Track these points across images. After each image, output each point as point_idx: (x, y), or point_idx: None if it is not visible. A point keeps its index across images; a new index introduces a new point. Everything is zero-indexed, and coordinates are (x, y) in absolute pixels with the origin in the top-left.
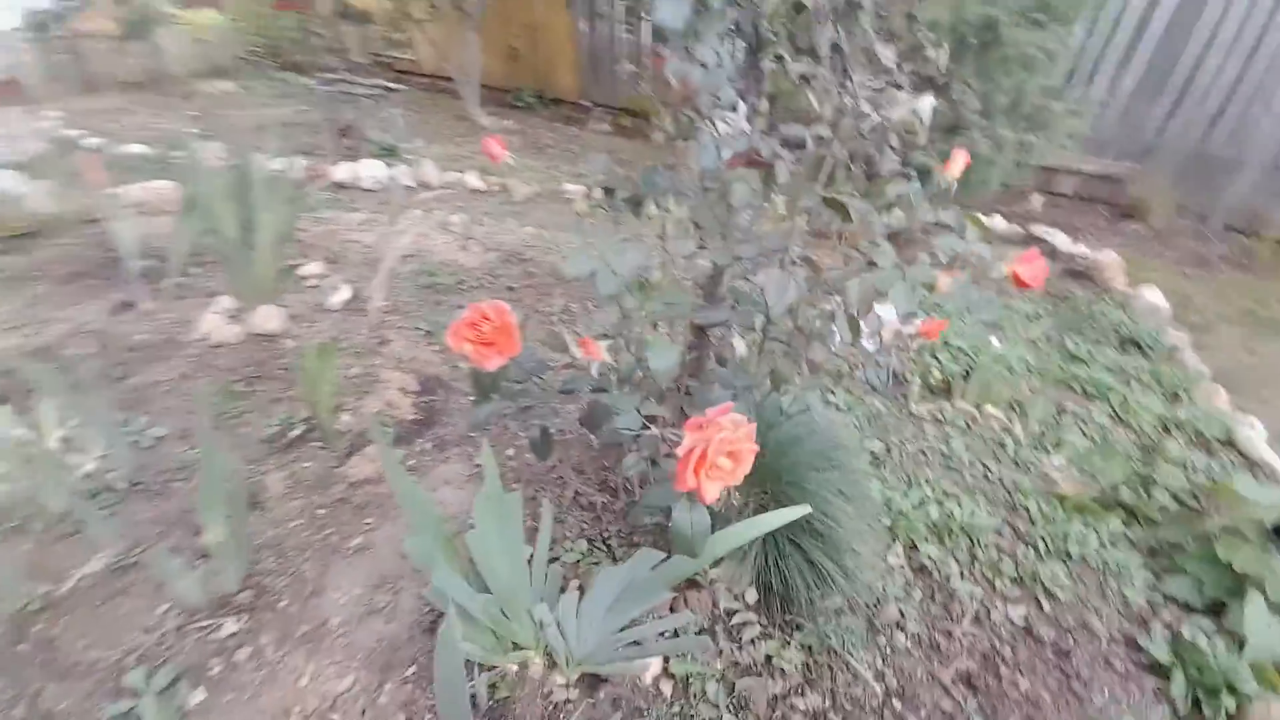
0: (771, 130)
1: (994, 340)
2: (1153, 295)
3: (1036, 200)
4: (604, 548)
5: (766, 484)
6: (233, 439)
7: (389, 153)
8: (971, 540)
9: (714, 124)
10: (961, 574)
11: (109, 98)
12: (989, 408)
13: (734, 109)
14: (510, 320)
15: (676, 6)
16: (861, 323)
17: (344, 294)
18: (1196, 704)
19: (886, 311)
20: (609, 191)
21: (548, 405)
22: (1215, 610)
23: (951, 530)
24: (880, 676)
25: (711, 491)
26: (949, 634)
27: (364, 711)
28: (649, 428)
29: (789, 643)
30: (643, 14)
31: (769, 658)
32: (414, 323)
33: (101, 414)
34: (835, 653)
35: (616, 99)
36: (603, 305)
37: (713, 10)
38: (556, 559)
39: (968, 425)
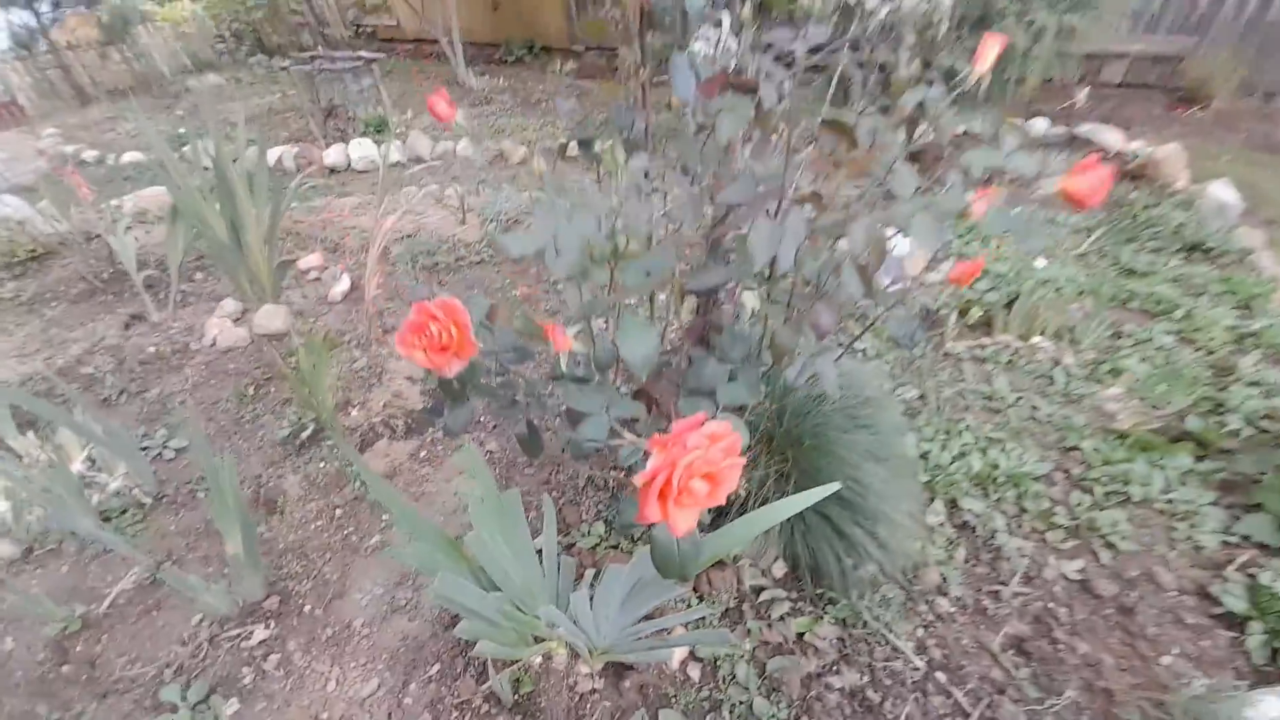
0: (758, 42)
1: (1039, 261)
2: (1221, 191)
3: (1081, 94)
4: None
5: (786, 450)
6: (250, 444)
7: (379, 129)
8: (1019, 490)
9: (693, 46)
10: (1009, 528)
11: (101, 107)
12: (1036, 338)
13: (717, 24)
14: (463, 319)
15: None
16: (876, 273)
17: (344, 284)
18: (1275, 656)
19: (906, 248)
20: (584, 144)
21: (534, 394)
22: None
23: (996, 480)
24: (921, 648)
25: (684, 522)
26: (996, 596)
27: (390, 715)
28: (621, 435)
29: (821, 618)
30: None
31: (801, 635)
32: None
33: (120, 432)
34: (872, 626)
35: (609, 37)
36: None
37: None
38: (573, 545)
39: (1012, 360)
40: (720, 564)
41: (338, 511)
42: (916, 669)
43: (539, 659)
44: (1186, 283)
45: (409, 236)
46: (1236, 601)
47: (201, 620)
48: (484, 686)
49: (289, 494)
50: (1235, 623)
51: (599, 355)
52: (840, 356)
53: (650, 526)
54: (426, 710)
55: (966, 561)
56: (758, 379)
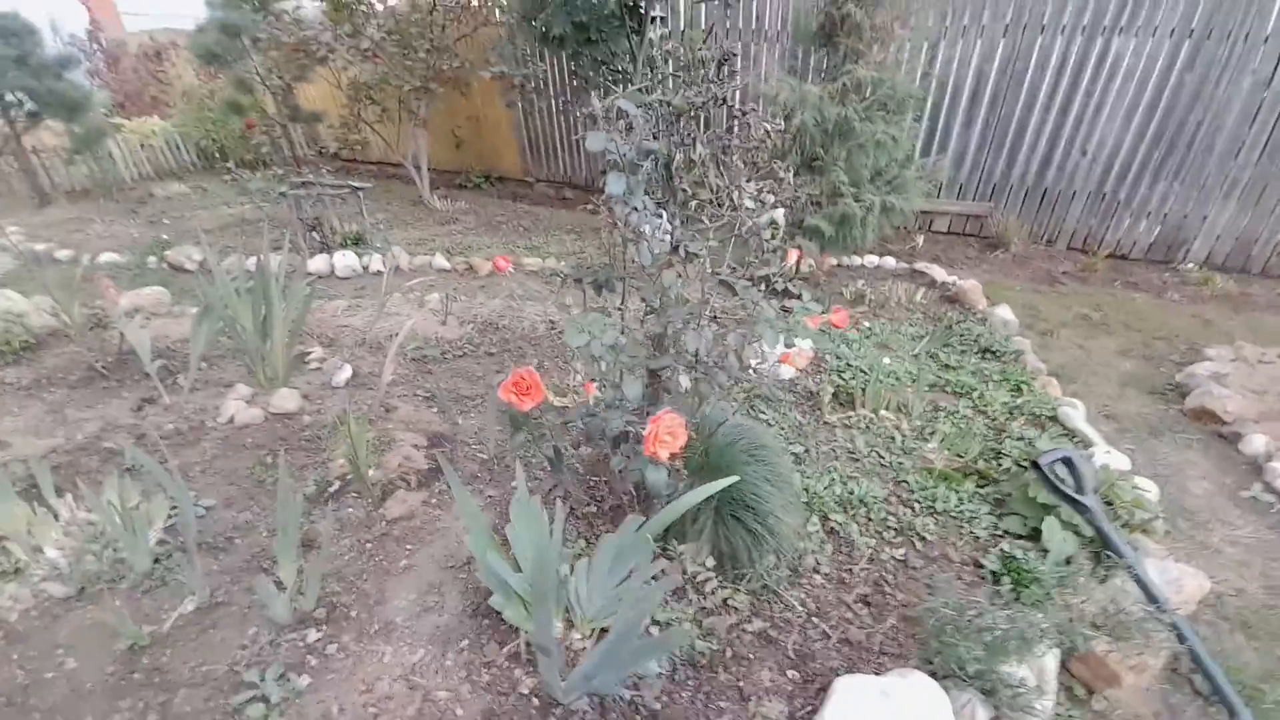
0: (687, 224)
1: (885, 359)
2: (1004, 312)
3: (919, 239)
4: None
5: (709, 475)
6: (275, 502)
7: (357, 242)
8: (867, 507)
9: (647, 236)
10: (860, 531)
11: (61, 208)
12: (883, 411)
13: (659, 217)
14: (538, 379)
15: (620, 182)
16: (744, 358)
17: (346, 373)
18: (1017, 594)
19: (770, 348)
20: (578, 280)
21: (554, 437)
22: (1034, 536)
23: (853, 502)
24: (804, 604)
25: (664, 453)
26: (851, 571)
27: (436, 670)
28: (629, 430)
29: (739, 589)
30: (576, 111)
31: (725, 600)
32: (412, 390)
33: (174, 488)
34: (772, 591)
35: (558, 174)
36: (583, 360)
37: (639, 180)
38: (565, 545)
39: (867, 426)
40: (669, 558)
41: (368, 545)
42: (800, 615)
43: None
44: (981, 374)
45: (398, 334)
46: (995, 565)
47: (257, 632)
48: (505, 650)
49: (323, 534)
50: (995, 579)
51: (608, 396)
52: (736, 410)
53: (643, 478)
54: (463, 668)
55: (832, 553)
56: (693, 412)
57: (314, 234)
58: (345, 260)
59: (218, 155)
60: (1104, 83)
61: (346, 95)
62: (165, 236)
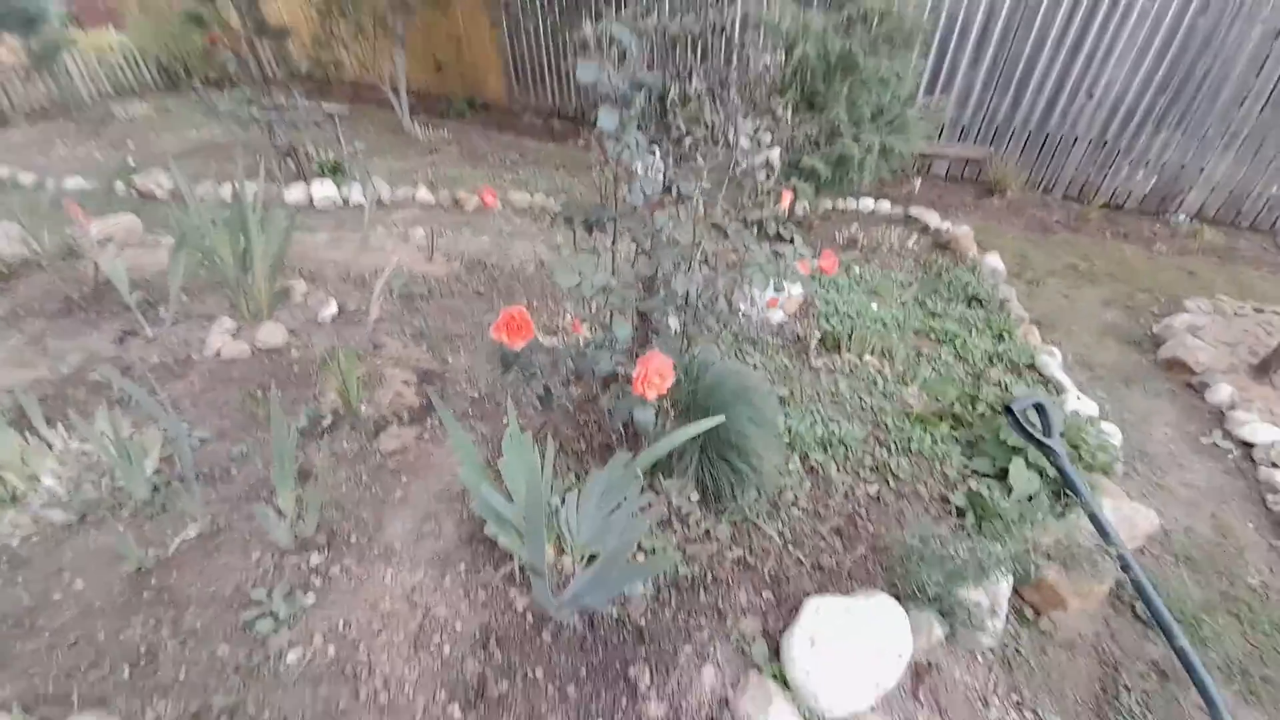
0: (681, 163)
1: (873, 305)
2: (994, 260)
3: (916, 183)
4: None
5: (697, 416)
6: (271, 434)
7: (335, 171)
8: (846, 447)
9: (640, 174)
10: (837, 469)
11: (21, 130)
12: (867, 356)
13: (652, 155)
14: (529, 319)
15: (612, 117)
16: (734, 301)
17: (332, 308)
18: (979, 527)
19: (760, 292)
20: (569, 220)
21: (544, 376)
22: (1001, 476)
23: (832, 442)
24: (781, 534)
25: (652, 394)
26: (827, 506)
27: (435, 590)
28: (618, 370)
29: (720, 521)
30: (566, 30)
31: (707, 531)
32: (400, 327)
33: (168, 420)
34: (751, 523)
35: (546, 103)
36: (573, 300)
37: (632, 115)
38: (555, 479)
39: (851, 371)
40: (656, 493)
41: (364, 476)
42: (777, 544)
43: None
44: (965, 321)
45: (381, 270)
46: (961, 501)
47: (260, 555)
48: (500, 573)
49: (319, 466)
50: (960, 513)
51: (598, 339)
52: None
53: (629, 421)
54: (460, 588)
55: (811, 489)
56: (682, 360)
57: (289, 161)
58: (323, 191)
59: (181, 73)
60: (1117, 22)
61: (317, 10)
62: (131, 161)
